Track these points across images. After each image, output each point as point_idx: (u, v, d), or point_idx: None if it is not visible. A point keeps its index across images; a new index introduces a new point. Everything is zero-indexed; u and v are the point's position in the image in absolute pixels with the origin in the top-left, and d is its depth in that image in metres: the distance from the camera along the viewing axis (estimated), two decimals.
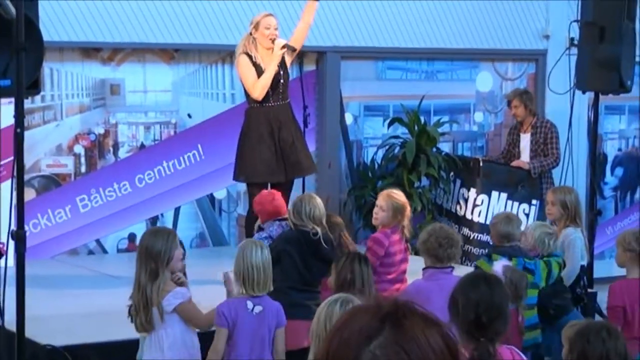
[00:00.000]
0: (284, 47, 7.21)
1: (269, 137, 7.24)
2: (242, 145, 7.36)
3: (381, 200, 6.74)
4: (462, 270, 5.78)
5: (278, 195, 6.68)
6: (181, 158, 9.00)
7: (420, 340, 1.51)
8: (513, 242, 6.34)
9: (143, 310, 5.04)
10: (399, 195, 6.84)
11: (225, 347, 5.09)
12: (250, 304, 5.09)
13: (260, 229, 6.60)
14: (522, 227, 6.71)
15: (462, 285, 3.78)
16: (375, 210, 6.74)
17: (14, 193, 5.43)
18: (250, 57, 7.22)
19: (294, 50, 7.50)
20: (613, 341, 4.19)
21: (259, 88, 7.16)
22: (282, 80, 7.33)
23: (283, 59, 7.33)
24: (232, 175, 7.58)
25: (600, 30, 7.42)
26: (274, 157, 7.25)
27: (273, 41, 7.21)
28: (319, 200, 6.28)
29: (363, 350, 1.50)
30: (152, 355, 5.13)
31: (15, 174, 5.49)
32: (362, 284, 5.16)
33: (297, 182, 7.96)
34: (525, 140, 9.27)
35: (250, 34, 7.27)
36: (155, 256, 5.01)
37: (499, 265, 5.95)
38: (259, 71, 7.18)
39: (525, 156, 9.23)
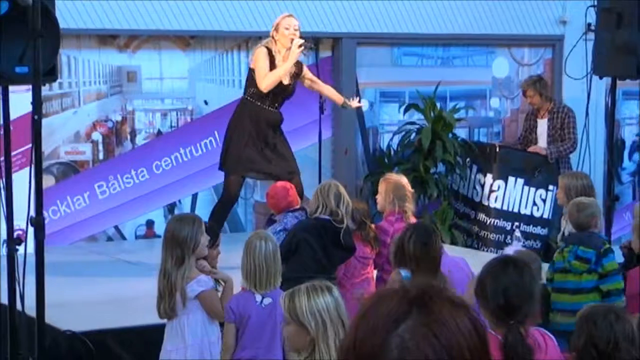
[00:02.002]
0: (301, 45, 7.22)
1: (256, 137, 7.29)
2: (230, 137, 7.42)
3: (379, 185, 6.75)
4: (480, 257, 5.78)
5: (293, 188, 6.71)
6: (198, 145, 9.05)
7: (449, 323, 1.49)
8: (585, 230, 6.24)
9: (167, 297, 5.04)
10: (391, 175, 6.86)
11: (235, 340, 5.09)
12: (258, 297, 5.06)
13: (272, 221, 6.62)
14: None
15: (491, 270, 3.78)
16: (377, 197, 6.77)
17: (33, 180, 5.44)
18: (270, 51, 7.22)
19: (311, 48, 7.55)
20: (621, 324, 4.13)
21: (269, 80, 7.17)
22: (288, 90, 7.35)
23: (297, 74, 7.38)
24: None
25: (618, 16, 7.36)
26: (257, 157, 7.31)
27: (292, 41, 7.23)
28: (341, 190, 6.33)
29: (391, 334, 1.48)
30: (174, 341, 5.13)
31: (33, 161, 5.48)
32: None
33: (314, 169, 7.96)
34: (542, 125, 9.29)
35: (272, 37, 7.28)
36: (181, 242, 5.01)
37: (511, 250, 5.97)
38: (274, 68, 7.20)
39: (542, 142, 9.25)
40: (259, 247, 5.06)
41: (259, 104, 7.26)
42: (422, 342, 1.46)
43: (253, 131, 7.28)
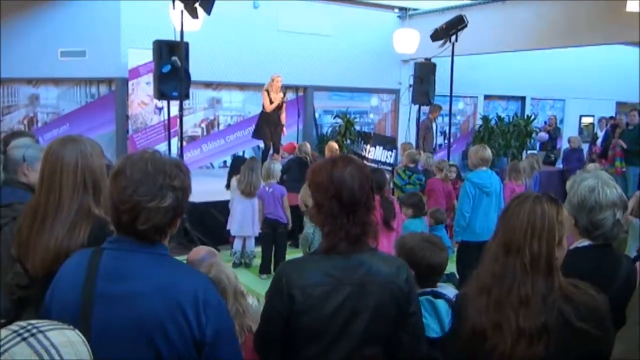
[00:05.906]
0: (283, 97, 7.18)
1: (272, 125, 7.16)
2: (261, 125, 7.17)
3: (325, 147, 6.83)
4: None
5: (291, 146, 6.68)
6: (246, 129, 8.89)
7: (361, 166, 1.60)
8: (415, 164, 6.00)
9: (251, 188, 5.11)
10: (330, 143, 6.88)
11: (263, 206, 5.07)
12: (267, 188, 5.01)
13: (275, 158, 6.54)
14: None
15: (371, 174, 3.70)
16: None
17: (179, 142, 5.65)
18: (268, 93, 7.14)
19: (282, 103, 7.37)
20: (418, 197, 4.36)
21: (270, 109, 7.09)
22: (281, 106, 7.26)
23: (280, 106, 7.29)
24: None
25: (421, 79, 7.65)
26: (273, 133, 7.20)
27: (280, 89, 7.14)
28: (309, 147, 6.44)
29: (345, 171, 1.56)
30: (247, 205, 5.16)
31: (178, 134, 5.75)
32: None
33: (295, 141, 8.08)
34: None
35: (270, 82, 7.16)
36: (254, 166, 5.18)
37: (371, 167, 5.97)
38: (271, 100, 7.13)
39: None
40: (269, 164, 5.16)
41: (270, 112, 7.17)
42: (357, 173, 1.58)
43: (271, 123, 7.20)
